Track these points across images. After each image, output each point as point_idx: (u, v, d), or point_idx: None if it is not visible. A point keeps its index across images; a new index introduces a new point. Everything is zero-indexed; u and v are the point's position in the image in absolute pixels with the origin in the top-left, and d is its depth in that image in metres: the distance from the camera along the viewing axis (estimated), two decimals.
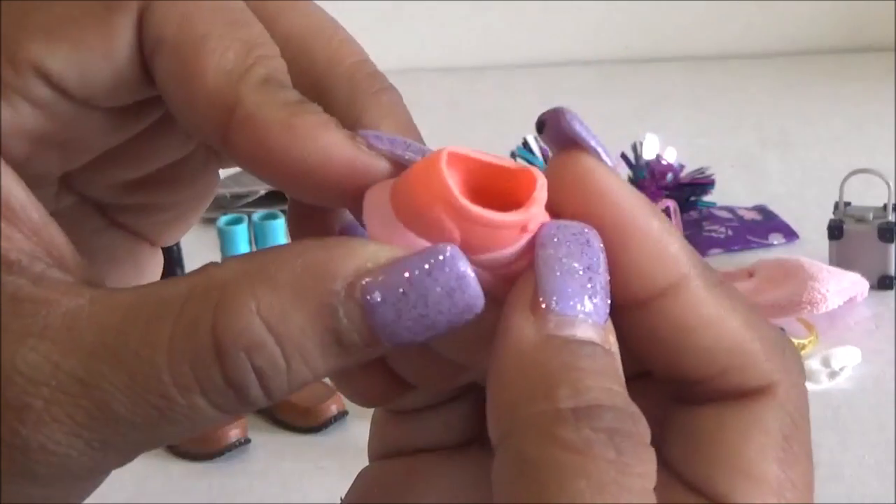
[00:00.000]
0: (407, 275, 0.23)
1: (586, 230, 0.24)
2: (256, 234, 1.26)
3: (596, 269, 0.23)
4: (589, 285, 0.23)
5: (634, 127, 1.61)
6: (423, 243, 0.23)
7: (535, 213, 0.24)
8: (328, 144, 0.24)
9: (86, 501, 0.25)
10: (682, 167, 1.46)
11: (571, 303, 0.23)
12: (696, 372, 0.25)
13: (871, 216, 1.25)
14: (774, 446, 0.24)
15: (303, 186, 0.25)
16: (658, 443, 0.23)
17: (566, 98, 2.08)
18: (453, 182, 0.23)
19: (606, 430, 0.22)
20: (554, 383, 0.22)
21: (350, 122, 0.25)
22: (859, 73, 2.05)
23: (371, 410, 0.30)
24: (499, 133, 1.81)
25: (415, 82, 2.28)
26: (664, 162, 1.45)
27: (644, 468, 0.22)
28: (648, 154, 1.46)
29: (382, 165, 0.24)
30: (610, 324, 0.24)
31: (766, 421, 0.25)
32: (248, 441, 1.01)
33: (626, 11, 2.24)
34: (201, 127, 0.25)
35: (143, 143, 0.28)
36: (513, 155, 1.48)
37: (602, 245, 0.24)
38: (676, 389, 0.26)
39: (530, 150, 1.47)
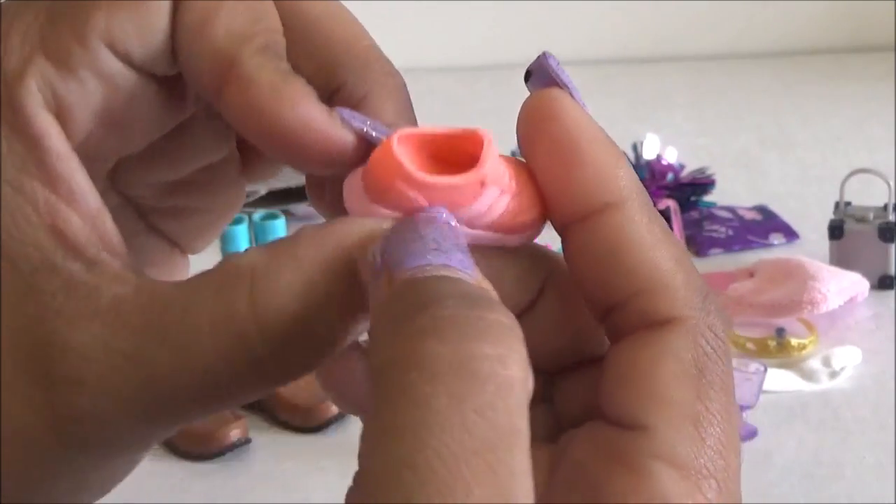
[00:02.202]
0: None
1: (433, 212, 0.26)
2: (257, 233, 1.26)
3: (443, 236, 0.25)
4: (434, 246, 0.24)
5: (634, 127, 1.61)
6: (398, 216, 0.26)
7: (490, 167, 0.26)
8: (308, 112, 0.26)
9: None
10: (682, 167, 1.46)
11: (412, 260, 0.24)
12: (619, 291, 0.26)
13: (871, 216, 1.25)
14: (685, 374, 0.25)
15: (280, 147, 0.27)
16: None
17: None
18: (408, 159, 0.26)
19: (450, 317, 0.21)
20: (392, 301, 0.23)
21: (357, 97, 0.28)
22: (859, 73, 2.05)
23: None
24: (499, 133, 1.81)
25: (415, 82, 2.27)
26: (664, 162, 1.45)
27: (493, 348, 0.21)
28: (648, 154, 1.46)
29: (350, 139, 0.27)
30: (478, 273, 0.24)
31: (676, 349, 0.25)
32: (248, 441, 1.01)
33: (626, 11, 2.24)
34: (201, 77, 0.27)
35: (182, 141, 0.30)
36: (513, 154, 1.48)
37: (454, 223, 0.25)
38: (606, 328, 0.27)
39: None
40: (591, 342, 0.29)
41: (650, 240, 0.26)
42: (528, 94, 0.29)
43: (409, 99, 0.29)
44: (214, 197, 0.33)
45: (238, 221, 1.24)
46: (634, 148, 1.47)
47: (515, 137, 0.29)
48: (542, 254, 0.29)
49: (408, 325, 0.21)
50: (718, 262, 1.34)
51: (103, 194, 0.30)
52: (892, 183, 1.24)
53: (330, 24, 0.29)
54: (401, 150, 0.26)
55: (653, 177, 1.43)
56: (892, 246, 1.23)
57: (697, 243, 1.37)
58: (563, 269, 0.28)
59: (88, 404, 0.25)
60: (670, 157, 1.46)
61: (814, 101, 1.93)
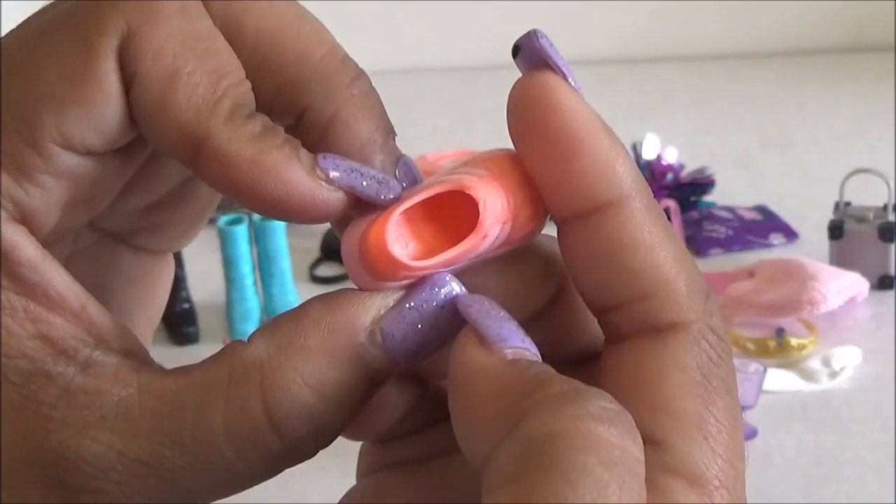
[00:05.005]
0: (416, 311, 0.26)
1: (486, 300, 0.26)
2: (257, 233, 1.26)
3: (513, 321, 0.25)
4: (516, 328, 0.25)
5: (634, 127, 1.62)
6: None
7: (489, 221, 0.25)
8: (290, 181, 0.26)
9: None
10: (682, 167, 1.46)
11: (514, 340, 0.25)
12: (619, 293, 0.26)
13: (871, 216, 1.25)
14: (692, 382, 0.25)
15: (268, 212, 0.26)
16: None
17: None
18: (403, 252, 0.26)
19: (610, 409, 0.23)
20: (545, 381, 0.23)
21: (325, 118, 0.27)
22: (859, 73, 2.05)
23: None
24: (499, 133, 1.81)
25: (415, 82, 2.29)
26: (664, 162, 1.45)
27: (640, 452, 0.23)
28: (648, 154, 1.46)
29: (339, 197, 0.26)
30: None
31: (681, 358, 0.25)
32: None
33: (626, 11, 2.24)
34: (172, 152, 0.26)
35: (154, 169, 0.29)
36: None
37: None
38: (601, 324, 0.27)
39: None
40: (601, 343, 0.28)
41: (651, 241, 0.25)
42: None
43: (380, 104, 0.28)
44: (192, 204, 0.32)
45: (238, 221, 1.24)
46: (634, 148, 1.47)
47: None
48: (556, 258, 0.28)
49: (574, 407, 0.22)
50: (718, 262, 1.34)
51: (78, 236, 0.30)
52: (891, 183, 1.24)
53: (282, 38, 0.27)
54: (395, 233, 0.26)
55: (653, 177, 1.44)
56: (892, 246, 1.24)
57: (697, 243, 1.37)
58: None
59: None
60: (670, 157, 1.46)
61: (814, 101, 1.94)
